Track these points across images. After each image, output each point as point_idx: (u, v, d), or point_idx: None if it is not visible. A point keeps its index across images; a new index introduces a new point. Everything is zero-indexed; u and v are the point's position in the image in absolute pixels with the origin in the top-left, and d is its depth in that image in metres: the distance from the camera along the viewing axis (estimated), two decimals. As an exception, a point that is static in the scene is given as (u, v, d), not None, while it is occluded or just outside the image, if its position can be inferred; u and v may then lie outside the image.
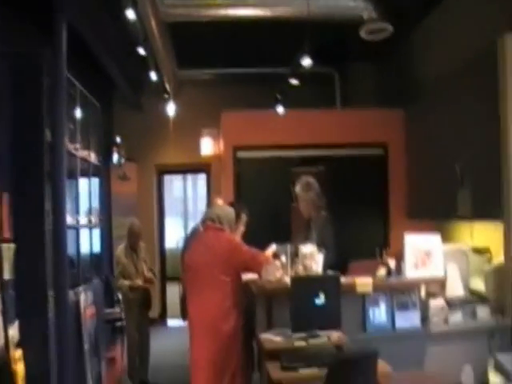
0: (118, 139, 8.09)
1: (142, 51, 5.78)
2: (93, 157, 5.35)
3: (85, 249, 4.96)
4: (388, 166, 6.54)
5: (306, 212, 4.78)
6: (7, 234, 3.14)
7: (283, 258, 3.86)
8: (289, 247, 3.92)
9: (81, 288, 4.49)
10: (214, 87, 8.39)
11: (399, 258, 4.13)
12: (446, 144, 5.27)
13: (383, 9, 4.80)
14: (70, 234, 4.11)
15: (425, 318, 4.02)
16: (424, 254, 4.00)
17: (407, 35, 6.43)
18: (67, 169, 3.89)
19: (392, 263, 4.04)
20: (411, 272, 3.99)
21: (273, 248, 3.87)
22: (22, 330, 3.08)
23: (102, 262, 5.79)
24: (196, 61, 7.47)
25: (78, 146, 4.68)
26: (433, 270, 4.01)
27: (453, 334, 4.01)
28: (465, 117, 4.87)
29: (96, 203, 5.55)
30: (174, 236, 11.74)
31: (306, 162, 6.42)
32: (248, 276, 3.92)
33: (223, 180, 6.57)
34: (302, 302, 3.40)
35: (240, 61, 7.43)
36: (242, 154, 6.40)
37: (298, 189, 4.77)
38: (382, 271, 4.00)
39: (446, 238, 4.50)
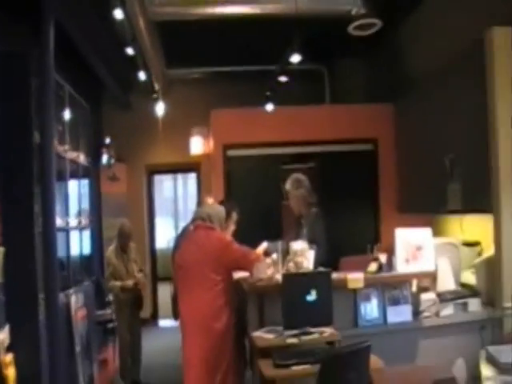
0: (108, 140, 8.05)
1: (130, 51, 5.75)
2: (82, 158, 5.33)
3: (75, 251, 4.95)
4: (378, 161, 6.55)
5: (296, 209, 4.78)
6: (-4, 237, 3.12)
7: (274, 256, 3.85)
8: (280, 244, 3.91)
9: (71, 290, 4.48)
10: (203, 86, 8.36)
11: (390, 252, 4.14)
12: (435, 138, 5.30)
13: (372, 4, 4.80)
14: (60, 236, 4.09)
15: (416, 313, 4.04)
16: (415, 248, 4.01)
17: (395, 30, 6.44)
18: (56, 170, 3.87)
19: (383, 258, 4.05)
20: (402, 267, 4.00)
21: (264, 246, 3.87)
22: (13, 334, 3.06)
23: (92, 264, 5.77)
24: (185, 59, 7.45)
25: (67, 147, 4.66)
26: (424, 265, 4.02)
27: (444, 327, 4.03)
28: (454, 110, 4.89)
29: (86, 204, 5.54)
30: (165, 236, 11.73)
31: (296, 158, 6.42)
32: (239, 274, 3.92)
33: (213, 179, 6.56)
34: (293, 299, 3.41)
35: (229, 59, 7.42)
36: (232, 153, 6.38)
37: (288, 186, 4.77)
38: (373, 266, 4.01)
39: (436, 232, 4.52)
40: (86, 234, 5.50)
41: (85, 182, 5.57)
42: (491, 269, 4.16)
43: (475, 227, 5.01)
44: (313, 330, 3.42)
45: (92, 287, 5.49)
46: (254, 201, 6.06)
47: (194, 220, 4.05)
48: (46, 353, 3.57)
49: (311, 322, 3.43)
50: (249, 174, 6.33)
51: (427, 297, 4.07)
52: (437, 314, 4.06)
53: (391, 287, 3.99)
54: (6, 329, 2.99)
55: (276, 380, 3.11)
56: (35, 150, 3.72)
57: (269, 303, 3.72)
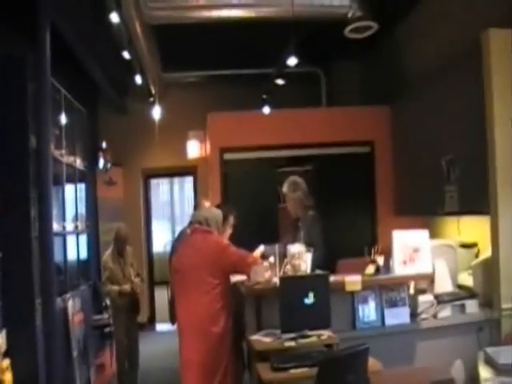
0: (104, 144, 8.05)
1: (126, 55, 5.76)
2: (78, 162, 5.33)
3: (72, 255, 4.94)
4: (375, 163, 6.55)
5: (293, 212, 4.78)
6: (-8, 242, 3.12)
7: (271, 259, 3.85)
8: (277, 248, 3.90)
9: (68, 295, 4.47)
10: (199, 89, 8.37)
11: (387, 255, 4.14)
12: (431, 140, 5.31)
13: (368, 6, 4.81)
14: (57, 241, 4.09)
15: (414, 315, 4.04)
16: (412, 250, 4.01)
17: (391, 32, 6.46)
18: (53, 175, 3.87)
19: (381, 260, 4.05)
20: (400, 269, 4.00)
21: (261, 249, 3.86)
22: (10, 339, 3.06)
23: (89, 268, 5.77)
24: (181, 63, 7.45)
25: (63, 151, 4.66)
26: (421, 267, 4.02)
27: (442, 329, 4.03)
28: (450, 112, 4.91)
29: (82, 209, 5.54)
30: (162, 240, 11.72)
31: (292, 161, 6.41)
32: (236, 277, 3.91)
33: (210, 182, 6.56)
34: (291, 302, 3.40)
35: (225, 62, 7.43)
36: (228, 156, 6.38)
37: (285, 188, 4.77)
38: (370, 269, 4.00)
39: (433, 234, 4.53)
40: (83, 238, 5.50)
41: (81, 187, 5.57)
42: (488, 270, 4.16)
43: (472, 229, 5.01)
44: (311, 333, 3.41)
45: (89, 292, 5.49)
46: (250, 204, 6.05)
47: (191, 223, 4.04)
48: (43, 358, 3.56)
49: (309, 324, 3.42)
50: (246, 177, 6.33)
51: (425, 299, 4.08)
52: (434, 316, 4.06)
53: (389, 289, 3.99)
54: (3, 334, 2.98)
55: (274, 383, 3.10)
56: (32, 155, 3.72)
57: (266, 306, 3.71)
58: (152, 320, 8.85)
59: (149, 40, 5.90)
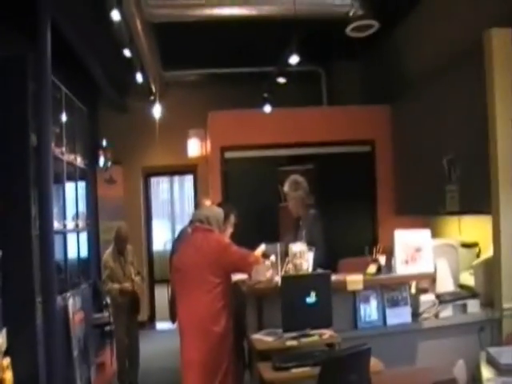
0: (104, 142, 8.04)
1: (127, 53, 5.75)
2: (79, 160, 5.31)
3: (72, 254, 4.93)
4: (375, 162, 6.54)
5: (294, 210, 4.77)
6: (-7, 241, 3.11)
7: (273, 258, 3.84)
8: (278, 246, 3.90)
9: (69, 293, 4.46)
10: (200, 88, 8.36)
11: (387, 254, 4.13)
12: (432, 139, 5.30)
13: (369, 5, 4.79)
14: (57, 239, 4.08)
15: (416, 314, 4.03)
16: (414, 249, 4.00)
17: (392, 32, 6.45)
18: (53, 173, 3.86)
19: (382, 260, 4.04)
20: (401, 268, 3.99)
21: (262, 248, 3.85)
22: (10, 338, 3.05)
23: (89, 267, 5.76)
24: (182, 61, 7.43)
25: (63, 149, 4.65)
26: (423, 266, 4.00)
27: (444, 328, 4.02)
28: (451, 112, 4.90)
29: (83, 207, 5.52)
30: (162, 238, 11.71)
31: (293, 160, 6.41)
32: (238, 276, 3.90)
33: (211, 181, 6.55)
34: (292, 301, 3.39)
35: (226, 61, 7.42)
36: (229, 154, 6.37)
37: (286, 187, 4.76)
38: (372, 268, 3.99)
39: (434, 234, 4.50)
40: (83, 236, 5.48)
41: (82, 185, 5.55)
42: (490, 270, 4.15)
43: (473, 228, 5.01)
44: (312, 332, 3.40)
45: (89, 290, 5.48)
46: (251, 202, 6.04)
47: (191, 222, 4.03)
48: (43, 356, 3.55)
49: (311, 324, 3.41)
50: (246, 175, 6.31)
51: (426, 298, 4.07)
52: (436, 316, 4.05)
53: (390, 289, 3.98)
54: (4, 333, 2.97)
55: (276, 383, 3.09)
56: (32, 153, 3.71)
57: (268, 305, 3.70)
58: (152, 319, 8.84)
59: (149, 38, 5.88)
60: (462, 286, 4.33)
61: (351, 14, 4.91)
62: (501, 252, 4.03)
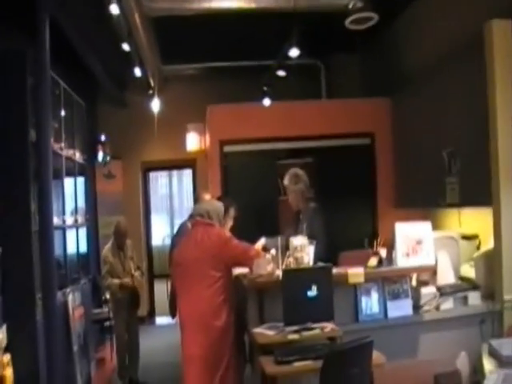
0: (103, 137, 8.02)
1: (125, 47, 5.72)
2: (78, 156, 5.30)
3: (72, 249, 4.92)
4: (375, 155, 6.53)
5: (294, 204, 4.75)
6: (-8, 237, 3.10)
7: (273, 251, 3.83)
8: (279, 240, 3.88)
9: (69, 289, 4.46)
10: (199, 82, 8.33)
11: (388, 247, 4.12)
12: (432, 131, 5.28)
13: (368, -3, 4.76)
14: (57, 235, 4.06)
15: (417, 307, 4.03)
16: (415, 242, 3.99)
17: (392, 24, 6.42)
18: (52, 168, 3.84)
19: (383, 253, 4.03)
20: (402, 261, 3.98)
21: (262, 241, 3.84)
22: (10, 333, 3.04)
23: (88, 262, 5.76)
24: (180, 56, 7.40)
25: (62, 145, 4.63)
26: (424, 258, 4.00)
27: (445, 321, 4.02)
28: (451, 104, 4.88)
29: (82, 203, 5.51)
30: (160, 233, 11.70)
31: (292, 154, 6.39)
32: (238, 270, 3.89)
33: (210, 175, 6.53)
34: (294, 295, 3.38)
35: (224, 54, 7.38)
36: (228, 148, 6.34)
37: (286, 181, 4.74)
38: (373, 261, 3.99)
39: (433, 226, 4.48)
40: (82, 232, 5.47)
41: (80, 180, 5.54)
42: (490, 262, 4.15)
43: (473, 221, 5.00)
44: (314, 325, 3.39)
45: (89, 286, 5.47)
46: (251, 196, 6.03)
47: (191, 217, 4.02)
48: (43, 352, 3.55)
49: (312, 317, 3.41)
50: (246, 169, 6.29)
51: (427, 291, 4.06)
52: (437, 308, 4.05)
53: (391, 282, 3.97)
54: (4, 329, 2.96)
55: (278, 377, 3.09)
56: (31, 149, 3.70)
57: (269, 299, 3.69)
58: (152, 314, 8.84)
59: (148, 32, 5.86)
60: (462, 279, 4.33)
61: (350, 6, 4.87)
62: (501, 244, 4.02)
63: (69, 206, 4.86)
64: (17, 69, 3.68)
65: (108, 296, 5.85)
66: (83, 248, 5.45)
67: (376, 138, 6.53)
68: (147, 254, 9.00)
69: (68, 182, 4.93)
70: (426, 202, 5.51)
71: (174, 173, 13.08)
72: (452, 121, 4.88)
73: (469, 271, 4.37)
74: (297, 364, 3.05)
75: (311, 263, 3.84)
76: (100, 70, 6.56)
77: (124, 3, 4.76)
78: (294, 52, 5.31)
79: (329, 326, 3.42)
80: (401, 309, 3.96)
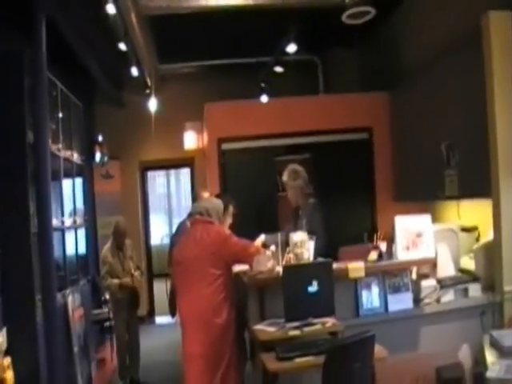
0: (101, 137, 8.00)
1: (122, 47, 5.70)
2: (75, 156, 5.28)
3: (71, 250, 4.91)
4: (373, 149, 6.52)
5: (294, 200, 4.75)
6: (-9, 239, 3.09)
7: (273, 248, 3.82)
8: (279, 236, 3.88)
9: (68, 290, 4.45)
10: (196, 80, 8.31)
11: (388, 240, 4.12)
12: (431, 125, 5.27)
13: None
14: (56, 236, 4.05)
15: (417, 300, 4.03)
16: (415, 235, 3.98)
17: (389, 18, 6.39)
18: (50, 170, 3.83)
19: (383, 247, 4.02)
20: (402, 254, 3.97)
21: (261, 238, 3.83)
22: (11, 335, 3.03)
23: (88, 263, 5.74)
24: (177, 54, 7.38)
25: (60, 146, 4.61)
26: (424, 251, 3.99)
27: (445, 313, 4.02)
28: (450, 97, 4.87)
29: (80, 203, 5.49)
30: (159, 233, 11.70)
31: (291, 150, 6.37)
32: (239, 267, 3.88)
33: (208, 173, 6.52)
34: (294, 291, 3.37)
35: (221, 52, 7.36)
36: (226, 146, 6.33)
37: (285, 177, 4.73)
38: (373, 255, 3.98)
39: (432, 219, 4.48)
40: (81, 233, 5.46)
41: (79, 181, 5.52)
42: (490, 254, 4.14)
43: (472, 213, 5.00)
44: (315, 321, 3.39)
45: (88, 286, 5.46)
46: (249, 193, 6.02)
47: (190, 215, 4.01)
48: (44, 354, 3.54)
49: (313, 313, 3.40)
50: (244, 166, 6.28)
51: (427, 283, 4.06)
52: (437, 301, 4.05)
53: (392, 275, 3.97)
54: (4, 331, 2.96)
55: (279, 373, 3.08)
56: (29, 150, 3.69)
57: (269, 296, 3.69)
58: (151, 313, 8.83)
59: (145, 31, 5.84)
60: (462, 271, 4.32)
61: (347, 0, 4.85)
62: (501, 235, 4.02)
63: (67, 207, 4.85)
64: (14, 69, 3.66)
65: (108, 296, 5.84)
66: (82, 249, 5.44)
67: (374, 132, 6.52)
68: (146, 254, 8.99)
69: (66, 183, 4.91)
70: (425, 195, 5.50)
71: (172, 172, 13.08)
72: (450, 114, 4.87)
73: (469, 263, 4.37)
74: (298, 360, 3.04)
75: (311, 259, 3.84)
76: (97, 69, 6.54)
77: (120, 2, 4.75)
78: (291, 48, 5.30)
79: (330, 321, 3.42)
80: (401, 302, 3.96)
